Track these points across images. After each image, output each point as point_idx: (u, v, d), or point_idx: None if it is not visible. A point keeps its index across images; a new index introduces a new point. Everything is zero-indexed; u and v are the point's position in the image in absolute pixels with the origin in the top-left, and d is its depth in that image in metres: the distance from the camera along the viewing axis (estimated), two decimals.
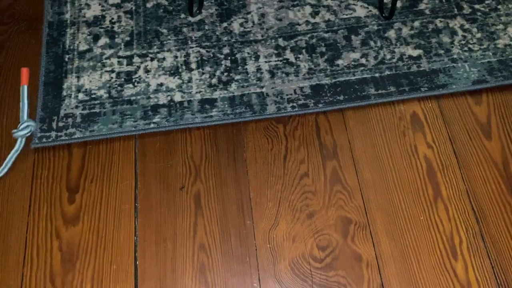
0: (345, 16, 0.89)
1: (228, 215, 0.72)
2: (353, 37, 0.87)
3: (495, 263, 0.68)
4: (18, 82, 0.85)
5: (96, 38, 0.88)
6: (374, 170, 0.75)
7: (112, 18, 0.90)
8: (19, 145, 0.77)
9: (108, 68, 0.85)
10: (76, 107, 0.81)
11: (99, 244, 0.71)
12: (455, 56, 0.85)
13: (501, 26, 0.88)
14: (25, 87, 0.81)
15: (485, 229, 0.71)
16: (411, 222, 0.71)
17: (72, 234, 0.71)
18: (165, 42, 0.88)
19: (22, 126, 0.78)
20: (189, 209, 0.73)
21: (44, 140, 0.78)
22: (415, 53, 0.85)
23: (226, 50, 0.86)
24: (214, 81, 0.83)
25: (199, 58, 0.86)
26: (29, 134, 0.78)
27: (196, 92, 0.82)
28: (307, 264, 0.68)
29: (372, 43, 0.86)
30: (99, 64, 0.85)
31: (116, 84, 0.83)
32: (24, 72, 0.83)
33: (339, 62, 0.84)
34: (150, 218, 0.72)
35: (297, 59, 0.85)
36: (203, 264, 0.69)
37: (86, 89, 0.83)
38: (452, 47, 0.86)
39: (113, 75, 0.84)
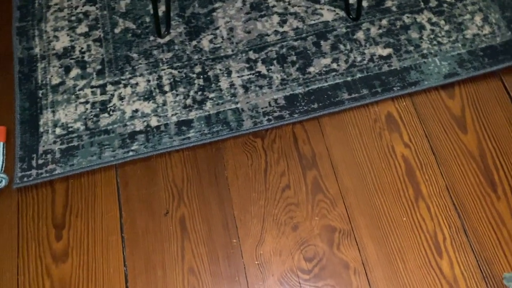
0: (313, 22, 0.90)
1: (214, 236, 0.73)
2: (322, 42, 0.87)
3: (479, 257, 0.69)
4: None
5: (67, 70, 0.88)
6: (354, 176, 0.76)
7: (82, 48, 0.90)
8: None
9: (82, 100, 0.85)
10: (54, 142, 0.81)
11: (90, 278, 0.71)
12: (425, 51, 0.85)
13: (468, 16, 0.88)
14: (2, 143, 0.81)
15: (467, 223, 0.72)
16: (394, 224, 0.72)
17: (62, 271, 0.72)
18: (136, 67, 0.88)
19: None
20: (175, 234, 0.74)
21: (25, 179, 0.78)
22: (385, 52, 0.86)
23: (198, 69, 0.87)
24: (188, 101, 0.84)
25: (171, 79, 0.86)
26: (1, 186, 0.78)
27: (172, 115, 0.82)
28: (296, 277, 0.69)
29: (341, 46, 0.87)
30: (73, 96, 0.86)
31: (91, 115, 0.84)
32: (1, 130, 0.83)
33: (311, 69, 0.85)
34: (138, 247, 0.73)
35: (269, 71, 0.85)
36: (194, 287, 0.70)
37: (62, 123, 0.83)
38: (421, 42, 0.86)
39: (88, 106, 0.84)
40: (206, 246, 0.72)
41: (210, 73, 0.86)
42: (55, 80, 0.87)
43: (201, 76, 0.86)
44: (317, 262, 0.70)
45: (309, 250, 0.71)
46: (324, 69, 0.85)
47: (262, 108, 0.82)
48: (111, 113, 0.83)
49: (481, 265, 0.69)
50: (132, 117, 0.83)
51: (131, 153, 0.79)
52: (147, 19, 0.92)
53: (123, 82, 0.86)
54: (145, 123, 0.82)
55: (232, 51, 0.88)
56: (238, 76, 0.85)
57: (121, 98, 0.85)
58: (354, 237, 0.72)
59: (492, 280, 0.68)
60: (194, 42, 0.89)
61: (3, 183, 0.78)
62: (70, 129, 0.82)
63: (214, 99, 0.83)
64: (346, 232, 0.72)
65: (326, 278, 0.69)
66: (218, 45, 0.89)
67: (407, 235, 0.71)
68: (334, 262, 0.70)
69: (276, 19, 0.90)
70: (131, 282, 0.71)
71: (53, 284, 0.71)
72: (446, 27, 0.88)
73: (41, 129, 0.83)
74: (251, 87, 0.84)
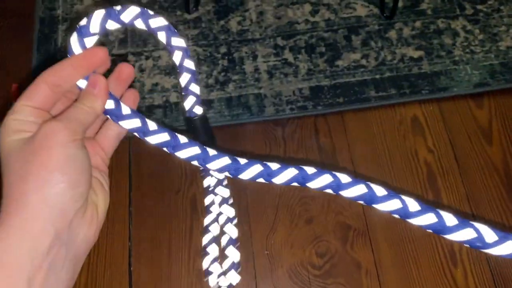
0: (345, 15, 0.87)
1: None
2: (353, 37, 0.85)
3: (495, 271, 0.67)
4: (6, 81, 0.82)
5: None
6: (374, 175, 0.74)
7: None
8: None
9: None
10: None
11: (93, 250, 0.69)
12: (456, 58, 0.83)
13: (503, 28, 0.86)
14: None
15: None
16: (411, 229, 0.70)
17: None
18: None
19: None
20: (185, 213, 0.71)
21: None
22: (417, 54, 0.84)
23: (223, 49, 0.84)
24: (211, 81, 0.81)
25: (195, 57, 0.83)
26: None
27: None
28: (306, 271, 0.67)
29: (372, 43, 0.85)
30: None
31: None
32: (15, 88, 0.80)
33: (339, 63, 0.83)
34: (145, 222, 0.71)
35: (296, 59, 0.83)
36: (199, 270, 0.67)
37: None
38: (454, 48, 0.84)
39: (107, 74, 0.82)
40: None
41: (236, 55, 0.84)
42: None
43: (226, 57, 0.83)
44: (328, 259, 0.68)
45: (322, 246, 0.69)
46: (353, 64, 0.82)
47: (285, 96, 0.80)
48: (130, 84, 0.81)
49: (496, 280, 0.67)
50: (151, 91, 0.80)
51: None
52: None
53: (145, 54, 0.84)
54: (164, 98, 0.80)
55: (260, 35, 0.86)
56: (264, 61, 0.83)
57: (141, 70, 0.82)
58: (368, 238, 0.70)
59: None
60: (222, 22, 0.87)
61: None
62: None
63: (237, 81, 0.81)
64: (361, 232, 0.70)
65: (336, 276, 0.67)
66: (246, 28, 0.86)
67: (423, 242, 0.69)
68: (346, 260, 0.68)
69: (308, 8, 0.88)
70: (135, 257, 0.68)
71: None
72: (480, 37, 0.86)
73: None
74: (276, 73, 0.82)
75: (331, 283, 0.66)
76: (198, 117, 0.48)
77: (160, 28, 0.39)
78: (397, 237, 0.69)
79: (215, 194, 0.51)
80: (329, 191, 0.35)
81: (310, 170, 0.34)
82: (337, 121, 0.79)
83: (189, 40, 0.85)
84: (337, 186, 0.34)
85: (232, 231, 0.53)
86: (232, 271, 0.53)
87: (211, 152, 0.36)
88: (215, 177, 0.51)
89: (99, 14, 0.37)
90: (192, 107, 0.47)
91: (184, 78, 0.43)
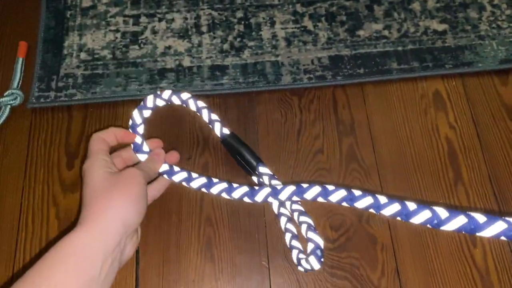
0: None
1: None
2: (375, 7, 0.82)
3: None
4: (13, 39, 0.79)
5: None
6: (393, 149, 0.71)
7: None
8: (1, 114, 0.72)
9: (112, 27, 0.79)
10: (78, 66, 0.76)
11: None
12: (482, 33, 0.80)
13: None
14: (21, 59, 0.75)
15: (506, 216, 0.67)
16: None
17: (70, 201, 0.67)
18: (174, 2, 0.82)
19: (6, 93, 0.72)
20: None
21: (42, 100, 0.73)
22: (441, 27, 0.80)
23: (239, 14, 0.81)
24: (226, 46, 0.78)
25: (210, 21, 0.80)
26: (14, 103, 0.72)
27: (207, 58, 0.77)
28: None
29: (395, 14, 0.81)
30: (103, 22, 0.80)
31: (121, 44, 0.78)
32: (22, 45, 0.77)
33: (361, 32, 0.79)
34: None
35: (316, 27, 0.80)
36: (209, 239, 0.65)
37: (88, 48, 0.77)
38: (480, 23, 0.81)
39: (118, 35, 0.79)
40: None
41: (252, 21, 0.80)
42: (86, 3, 0.81)
43: (242, 22, 0.80)
44: (343, 232, 0.66)
45: (337, 219, 0.66)
46: (375, 34, 0.79)
47: (303, 65, 0.76)
48: (142, 45, 0.78)
49: None
50: (164, 54, 0.77)
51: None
52: None
53: (158, 15, 0.80)
54: (177, 62, 0.76)
55: (279, 0, 0.82)
56: (282, 28, 0.79)
57: (154, 32, 0.79)
58: None
59: None
60: None
61: (18, 100, 0.73)
62: (96, 56, 0.77)
63: (253, 48, 0.78)
64: None
65: (351, 250, 0.65)
66: None
67: None
68: (362, 235, 0.66)
69: None
70: (142, 224, 0.66)
71: (59, 213, 0.66)
72: (508, 12, 0.82)
73: (65, 51, 0.77)
74: (294, 41, 0.78)
75: (345, 256, 0.64)
76: (229, 135, 0.66)
77: (204, 108, 0.67)
78: None
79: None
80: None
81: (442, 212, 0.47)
82: (357, 93, 0.76)
83: (204, 3, 0.82)
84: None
85: (308, 219, 0.61)
86: (313, 257, 0.57)
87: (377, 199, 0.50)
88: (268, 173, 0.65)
89: (151, 98, 0.66)
90: (221, 130, 0.66)
91: (216, 129, 0.67)
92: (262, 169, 0.64)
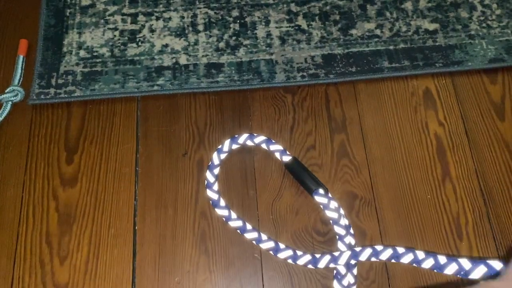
0: None
1: (231, 184, 0.70)
2: (368, 6, 0.84)
3: (500, 245, 0.67)
4: (14, 36, 0.81)
5: None
6: (383, 146, 0.73)
7: None
8: (3, 110, 0.74)
9: (111, 26, 0.81)
10: (77, 64, 0.78)
11: (97, 207, 0.69)
12: (472, 32, 0.82)
13: None
14: (22, 57, 0.77)
15: (492, 210, 0.69)
16: (418, 200, 0.70)
17: (69, 195, 0.69)
18: (171, 1, 0.83)
19: (7, 90, 0.74)
20: (191, 176, 0.71)
21: (42, 96, 0.75)
22: (432, 27, 0.82)
23: (235, 13, 0.83)
24: (221, 44, 0.80)
25: (206, 19, 0.82)
26: (15, 100, 0.74)
27: (203, 56, 0.79)
28: (310, 237, 0.67)
29: (388, 14, 0.83)
30: (102, 20, 0.81)
31: (119, 42, 0.80)
32: (23, 43, 0.78)
33: (353, 32, 0.81)
34: (151, 183, 0.70)
35: (309, 26, 0.81)
36: (203, 232, 0.67)
37: (87, 46, 0.79)
38: (470, 22, 0.83)
39: (116, 33, 0.80)
40: (222, 193, 0.70)
41: (248, 19, 0.82)
42: (85, 1, 0.83)
43: (238, 21, 0.82)
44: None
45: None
46: (367, 33, 0.81)
47: (297, 63, 0.78)
48: (139, 44, 0.79)
49: (501, 254, 0.67)
50: (161, 52, 0.79)
51: (155, 88, 0.76)
52: None
53: (155, 14, 0.82)
54: (174, 60, 0.78)
55: (274, 0, 0.84)
56: (276, 27, 0.81)
57: (151, 31, 0.81)
58: (375, 207, 0.69)
59: None
60: None
61: (19, 97, 0.75)
62: (95, 54, 0.79)
63: (248, 46, 0.80)
64: (367, 201, 0.70)
65: None
66: None
67: (429, 213, 0.69)
68: (352, 228, 0.68)
69: None
70: (140, 217, 0.68)
71: (59, 206, 0.69)
72: (498, 11, 0.84)
73: (65, 49, 0.79)
74: (288, 40, 0.80)
75: (336, 250, 0.66)
76: (290, 160, 0.71)
77: (278, 147, 0.71)
78: (403, 208, 0.69)
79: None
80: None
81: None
82: (349, 91, 0.77)
83: (201, 2, 0.83)
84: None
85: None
86: None
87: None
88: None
89: (228, 142, 0.71)
90: (282, 156, 0.71)
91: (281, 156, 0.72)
92: (317, 198, 0.68)
